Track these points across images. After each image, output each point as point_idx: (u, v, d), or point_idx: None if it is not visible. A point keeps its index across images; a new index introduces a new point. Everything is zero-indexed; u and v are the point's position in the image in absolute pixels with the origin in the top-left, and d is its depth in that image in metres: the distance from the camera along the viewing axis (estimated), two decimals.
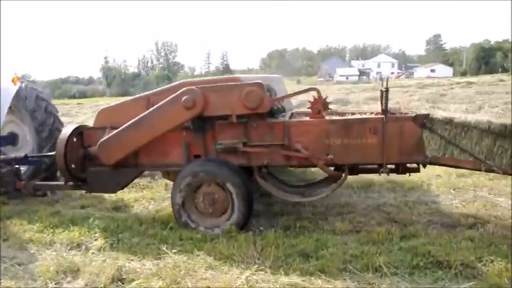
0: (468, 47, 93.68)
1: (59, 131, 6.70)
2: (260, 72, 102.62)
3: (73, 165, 5.54)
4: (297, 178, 7.04)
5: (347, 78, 78.99)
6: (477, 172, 5.72)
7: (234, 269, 3.97)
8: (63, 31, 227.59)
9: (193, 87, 4.94)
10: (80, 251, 4.70)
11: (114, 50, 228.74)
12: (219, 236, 4.78)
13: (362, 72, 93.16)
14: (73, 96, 71.58)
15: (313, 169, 6.58)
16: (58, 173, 6.37)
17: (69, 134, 5.49)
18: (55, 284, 3.95)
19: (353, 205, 5.84)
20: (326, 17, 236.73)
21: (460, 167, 5.07)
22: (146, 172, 6.83)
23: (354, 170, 5.34)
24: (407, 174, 5.20)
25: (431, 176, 6.96)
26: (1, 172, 5.93)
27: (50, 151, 6.78)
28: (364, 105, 19.53)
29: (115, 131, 5.24)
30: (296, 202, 5.60)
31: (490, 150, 4.57)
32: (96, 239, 4.98)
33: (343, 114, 5.29)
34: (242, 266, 4.02)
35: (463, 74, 77.60)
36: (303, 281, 3.69)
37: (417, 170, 5.09)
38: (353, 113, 5.32)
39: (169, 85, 5.44)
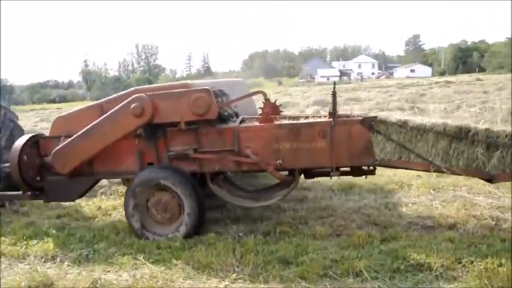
0: (446, 47, 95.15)
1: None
2: (241, 73, 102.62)
3: (29, 175, 5.48)
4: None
5: (328, 79, 79.22)
6: None
7: (213, 278, 3.90)
8: (41, 34, 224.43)
9: (142, 94, 4.94)
10: (54, 263, 4.56)
11: (94, 53, 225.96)
12: (198, 243, 4.70)
13: (343, 73, 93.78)
14: (53, 101, 70.49)
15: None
16: None
17: (23, 143, 5.43)
18: None
19: (333, 208, 5.80)
20: (306, 19, 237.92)
21: (411, 169, 5.14)
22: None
23: (309, 173, 5.36)
24: (364, 176, 5.28)
25: (411, 176, 6.96)
26: None
27: None
28: (344, 105, 19.61)
29: (68, 140, 5.22)
30: (249, 207, 5.56)
31: (446, 153, 4.62)
32: (71, 250, 4.84)
33: (295, 118, 5.27)
34: (221, 274, 3.94)
35: (442, 73, 78.90)
36: None
37: (373, 172, 5.16)
38: (306, 117, 5.31)
39: (122, 92, 5.42)
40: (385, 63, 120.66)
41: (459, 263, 3.90)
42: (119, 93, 5.47)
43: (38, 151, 5.58)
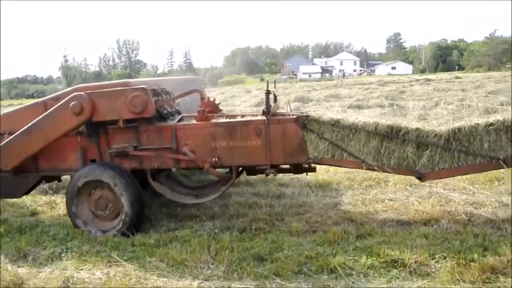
0: (426, 46, 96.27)
1: None
2: (223, 70, 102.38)
3: None
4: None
5: (310, 76, 79.74)
6: None
7: (187, 275, 3.86)
8: (19, 28, 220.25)
9: (82, 93, 5.01)
10: (26, 262, 4.47)
11: (74, 48, 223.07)
12: (173, 240, 4.67)
13: (325, 70, 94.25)
14: (31, 96, 69.47)
15: None
16: None
17: None
18: None
19: (310, 204, 5.81)
20: (289, 15, 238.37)
21: (343, 167, 5.26)
22: None
23: (251, 170, 5.41)
24: (305, 174, 5.37)
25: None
26: None
27: None
28: (325, 102, 19.74)
29: (11, 137, 5.24)
30: (188, 204, 5.65)
31: (378, 151, 4.70)
32: (44, 248, 4.75)
33: (233, 116, 5.34)
34: (195, 271, 3.90)
35: (422, 71, 79.91)
36: (257, 285, 3.63)
37: (313, 170, 5.26)
38: (243, 115, 5.36)
39: (65, 90, 5.48)
40: (367, 61, 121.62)
41: (432, 258, 3.94)
42: (62, 91, 5.52)
43: None
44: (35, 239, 5.02)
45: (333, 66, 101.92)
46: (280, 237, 4.65)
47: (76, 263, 4.27)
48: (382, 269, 3.84)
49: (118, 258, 4.25)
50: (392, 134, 4.63)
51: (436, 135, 4.55)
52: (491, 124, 4.45)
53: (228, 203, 5.98)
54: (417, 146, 4.61)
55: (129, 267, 4.05)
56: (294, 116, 4.84)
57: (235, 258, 4.09)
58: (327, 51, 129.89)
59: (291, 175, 6.29)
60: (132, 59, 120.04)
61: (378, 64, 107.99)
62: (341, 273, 3.76)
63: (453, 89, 22.77)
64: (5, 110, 6.52)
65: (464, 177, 6.23)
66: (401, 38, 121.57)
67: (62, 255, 4.55)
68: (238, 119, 5.13)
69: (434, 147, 4.57)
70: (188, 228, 5.06)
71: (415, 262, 3.86)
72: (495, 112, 8.97)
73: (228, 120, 5.09)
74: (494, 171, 5.44)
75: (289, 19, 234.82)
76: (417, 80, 34.49)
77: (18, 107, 6.00)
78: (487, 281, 3.53)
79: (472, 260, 3.78)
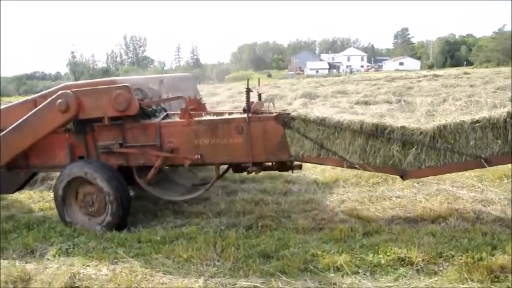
0: (434, 41, 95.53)
1: None
2: (230, 66, 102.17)
3: None
4: None
5: (317, 71, 79.36)
6: None
7: (193, 272, 3.86)
8: (27, 24, 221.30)
9: (68, 91, 5.08)
10: (33, 257, 4.51)
11: (82, 44, 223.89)
12: (179, 237, 4.68)
13: (332, 66, 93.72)
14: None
15: None
16: None
17: None
18: None
19: (317, 201, 5.78)
20: (296, 11, 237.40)
21: (326, 164, 5.30)
22: None
23: (238, 167, 5.43)
24: (291, 171, 5.39)
25: None
26: None
27: None
28: (332, 98, 19.65)
29: (2, 133, 5.33)
30: (173, 200, 5.69)
31: (363, 150, 4.69)
32: (51, 244, 4.79)
33: (220, 114, 5.34)
34: (201, 269, 3.90)
35: (430, 67, 79.38)
36: (263, 283, 3.61)
37: (299, 167, 5.31)
38: (230, 113, 5.35)
39: (54, 87, 5.54)
40: (374, 56, 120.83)
41: (440, 257, 3.90)
42: (52, 88, 5.58)
43: None
44: (42, 235, 5.05)
45: (340, 62, 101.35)
46: (286, 235, 4.63)
47: (83, 259, 4.30)
48: (389, 267, 3.81)
49: (124, 255, 4.27)
50: (377, 133, 4.61)
51: (421, 133, 4.52)
52: (477, 121, 4.41)
53: (235, 200, 5.98)
54: (403, 144, 4.58)
55: (135, 264, 4.06)
56: (275, 114, 4.85)
57: (241, 256, 4.08)
58: (334, 46, 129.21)
59: (298, 172, 6.26)
60: (140, 55, 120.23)
61: (385, 60, 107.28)
62: (347, 271, 3.74)
63: (461, 85, 22.56)
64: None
65: (472, 174, 6.18)
66: (409, 34, 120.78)
67: (69, 252, 4.58)
68: (220, 116, 5.15)
69: (420, 145, 4.53)
70: (194, 225, 5.07)
71: (423, 260, 3.83)
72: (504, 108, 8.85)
73: (210, 118, 5.12)
74: (503, 168, 5.39)
75: (296, 15, 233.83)
76: (425, 76, 34.23)
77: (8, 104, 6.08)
78: (496, 280, 3.48)
79: (481, 259, 3.74)
